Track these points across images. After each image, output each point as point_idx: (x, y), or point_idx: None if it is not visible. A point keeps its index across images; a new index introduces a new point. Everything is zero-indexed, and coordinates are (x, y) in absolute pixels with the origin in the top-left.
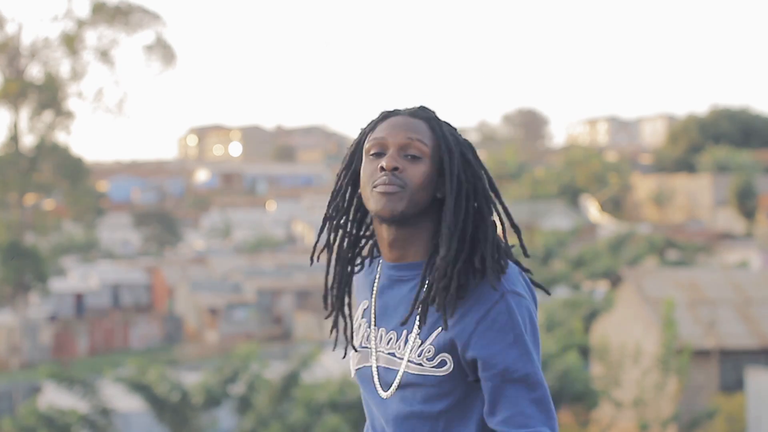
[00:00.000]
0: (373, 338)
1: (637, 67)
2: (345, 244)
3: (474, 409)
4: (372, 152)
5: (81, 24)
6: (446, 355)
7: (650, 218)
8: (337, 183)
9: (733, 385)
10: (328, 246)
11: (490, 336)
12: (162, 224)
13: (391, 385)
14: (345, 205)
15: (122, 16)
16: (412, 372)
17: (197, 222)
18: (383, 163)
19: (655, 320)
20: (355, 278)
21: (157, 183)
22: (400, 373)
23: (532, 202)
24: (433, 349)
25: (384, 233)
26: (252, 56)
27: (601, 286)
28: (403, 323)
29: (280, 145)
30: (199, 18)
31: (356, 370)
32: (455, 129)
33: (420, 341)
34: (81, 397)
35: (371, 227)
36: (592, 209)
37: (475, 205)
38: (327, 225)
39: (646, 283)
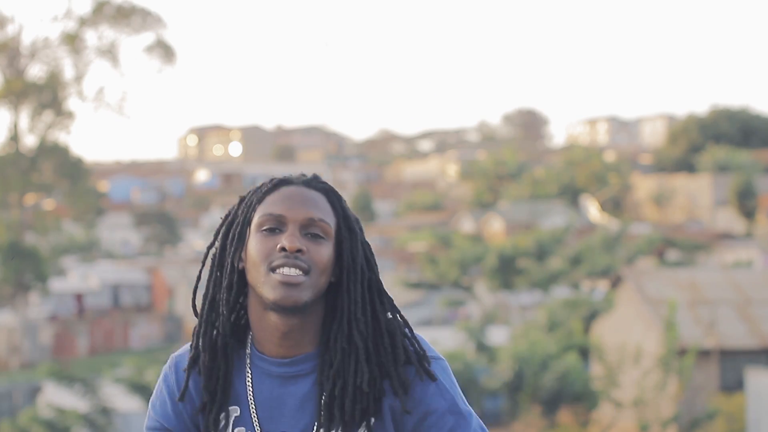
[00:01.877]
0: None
1: (637, 67)
2: (224, 337)
3: None
4: (265, 227)
5: (81, 23)
6: None
7: (650, 218)
8: (222, 263)
9: (733, 385)
10: (209, 343)
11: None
12: (162, 224)
13: None
14: (234, 291)
15: (123, 18)
16: None
17: (197, 222)
18: (285, 243)
19: (655, 320)
20: (174, 384)
21: (157, 183)
22: None
23: (532, 202)
24: None
25: (275, 323)
26: (252, 56)
27: (601, 286)
28: (331, 421)
29: (280, 145)
30: (200, 18)
31: None
32: (344, 201)
33: None
34: (81, 396)
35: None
36: (592, 209)
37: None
38: (206, 315)
39: (646, 283)
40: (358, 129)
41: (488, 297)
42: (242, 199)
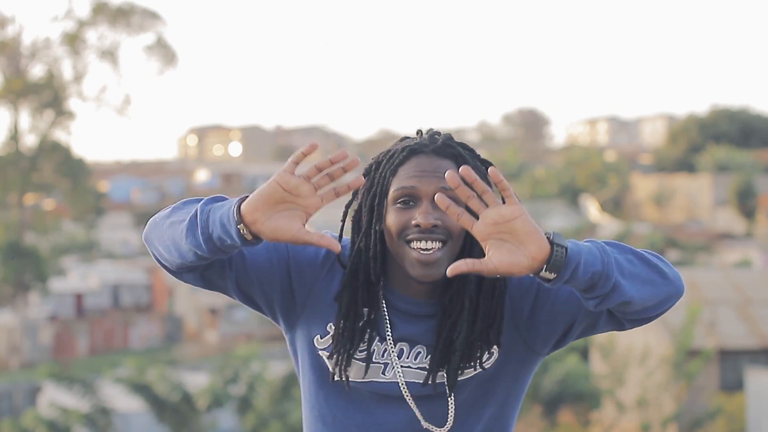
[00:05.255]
0: (393, 353)
1: (637, 67)
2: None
3: (510, 397)
4: (399, 201)
5: (82, 24)
6: (495, 347)
7: (650, 218)
8: (361, 230)
9: (733, 385)
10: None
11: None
12: None
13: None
14: (378, 264)
15: (123, 17)
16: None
17: None
18: (419, 219)
19: (655, 320)
20: (313, 275)
21: (157, 183)
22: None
23: (532, 202)
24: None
25: (414, 281)
26: (252, 56)
27: None
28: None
29: (280, 145)
30: (200, 18)
31: (360, 382)
32: (474, 153)
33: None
34: (81, 396)
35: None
36: (592, 209)
37: None
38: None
39: None
40: (358, 129)
41: None
42: (376, 166)
